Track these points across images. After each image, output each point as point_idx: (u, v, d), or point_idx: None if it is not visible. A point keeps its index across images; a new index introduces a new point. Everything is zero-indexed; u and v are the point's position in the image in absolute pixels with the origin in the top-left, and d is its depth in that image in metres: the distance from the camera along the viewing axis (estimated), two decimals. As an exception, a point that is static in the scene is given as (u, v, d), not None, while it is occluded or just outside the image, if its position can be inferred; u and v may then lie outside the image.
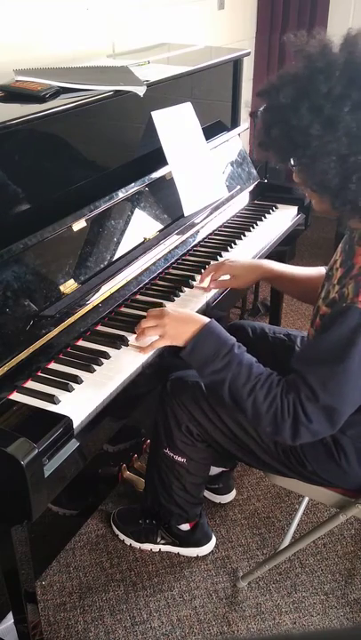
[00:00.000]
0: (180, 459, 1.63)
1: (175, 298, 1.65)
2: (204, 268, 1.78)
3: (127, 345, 1.44)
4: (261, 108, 1.28)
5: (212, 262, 1.79)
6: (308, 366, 1.27)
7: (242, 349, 1.35)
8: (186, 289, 1.69)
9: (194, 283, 1.72)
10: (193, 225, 1.91)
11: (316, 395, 1.23)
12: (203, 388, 1.56)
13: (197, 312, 1.55)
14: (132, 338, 1.46)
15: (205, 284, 1.62)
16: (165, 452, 1.65)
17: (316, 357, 1.26)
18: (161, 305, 1.58)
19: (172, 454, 1.64)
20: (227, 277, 1.70)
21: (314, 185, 1.22)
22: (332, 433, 1.30)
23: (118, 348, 1.42)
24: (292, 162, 1.23)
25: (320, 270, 1.66)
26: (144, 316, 1.53)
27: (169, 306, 1.59)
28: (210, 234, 2.01)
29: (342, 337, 1.19)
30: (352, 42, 1.15)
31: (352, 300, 1.19)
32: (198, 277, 1.73)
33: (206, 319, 1.38)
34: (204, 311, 1.63)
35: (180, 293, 1.67)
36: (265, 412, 1.27)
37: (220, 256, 1.88)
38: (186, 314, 1.42)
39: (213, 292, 1.71)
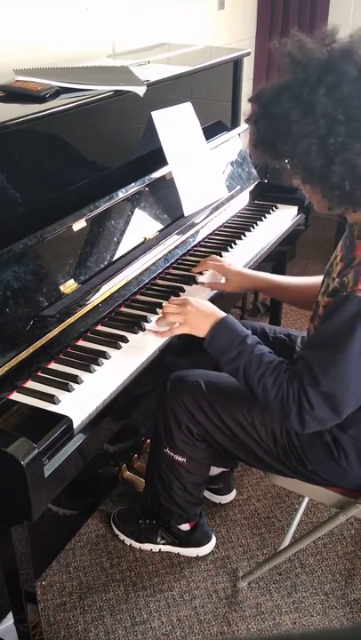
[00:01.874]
0: (180, 458, 1.64)
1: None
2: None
3: (127, 344, 1.44)
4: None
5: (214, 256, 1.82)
6: (311, 353, 1.30)
7: (254, 340, 1.40)
8: (186, 289, 1.69)
9: (189, 286, 1.73)
10: (193, 225, 1.91)
11: (317, 380, 1.25)
12: (203, 388, 1.57)
13: None
14: (131, 337, 1.47)
15: (158, 328, 1.52)
16: (165, 451, 1.65)
17: (318, 344, 1.30)
18: (161, 305, 1.58)
19: (172, 454, 1.64)
20: (222, 280, 1.73)
21: (302, 172, 1.26)
22: (338, 421, 1.31)
23: (118, 348, 1.42)
24: (281, 161, 1.29)
25: (314, 279, 1.67)
26: (144, 316, 1.54)
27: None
28: (210, 234, 2.01)
29: (342, 324, 1.22)
30: (331, 36, 1.22)
31: (352, 288, 1.22)
32: (199, 278, 1.74)
33: (223, 314, 1.45)
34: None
35: (181, 293, 1.67)
36: (273, 398, 1.31)
37: (221, 256, 1.88)
38: (207, 306, 1.48)
39: (209, 293, 1.71)
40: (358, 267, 1.24)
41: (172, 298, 1.57)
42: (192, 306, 1.46)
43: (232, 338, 1.39)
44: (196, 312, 1.45)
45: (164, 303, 1.58)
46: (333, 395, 1.25)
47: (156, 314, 1.56)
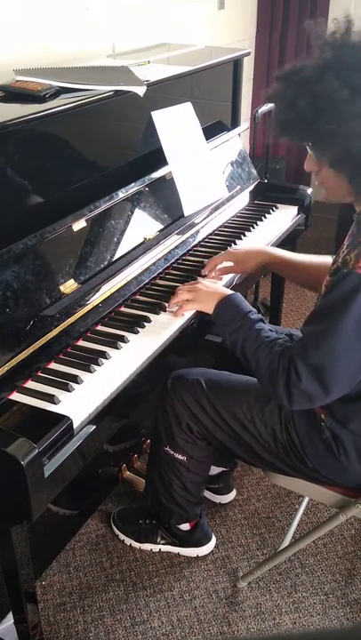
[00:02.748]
0: (180, 457, 1.64)
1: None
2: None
3: (128, 344, 1.44)
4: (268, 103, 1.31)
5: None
6: (306, 327, 1.34)
7: (257, 317, 1.45)
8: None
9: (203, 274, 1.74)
10: (193, 225, 1.91)
11: (307, 351, 1.28)
12: (203, 386, 1.57)
13: (192, 314, 1.59)
14: (132, 337, 1.47)
15: (174, 308, 1.60)
16: (166, 449, 1.65)
17: (314, 318, 1.33)
18: (161, 305, 1.58)
19: (172, 452, 1.64)
20: (230, 264, 1.74)
21: (336, 154, 1.24)
22: (325, 399, 1.31)
23: (118, 348, 1.42)
24: (310, 142, 1.28)
25: (326, 259, 1.68)
26: (144, 316, 1.54)
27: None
28: (210, 234, 2.01)
29: (339, 299, 1.24)
30: None
31: (353, 265, 1.24)
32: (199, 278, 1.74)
33: (231, 292, 1.53)
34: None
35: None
36: (264, 370, 1.35)
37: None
38: (215, 286, 1.58)
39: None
40: None
41: (185, 283, 1.64)
42: (202, 285, 1.57)
43: (235, 313, 1.45)
44: (206, 290, 1.54)
45: (165, 303, 1.59)
46: (322, 367, 1.26)
47: (157, 314, 1.56)
